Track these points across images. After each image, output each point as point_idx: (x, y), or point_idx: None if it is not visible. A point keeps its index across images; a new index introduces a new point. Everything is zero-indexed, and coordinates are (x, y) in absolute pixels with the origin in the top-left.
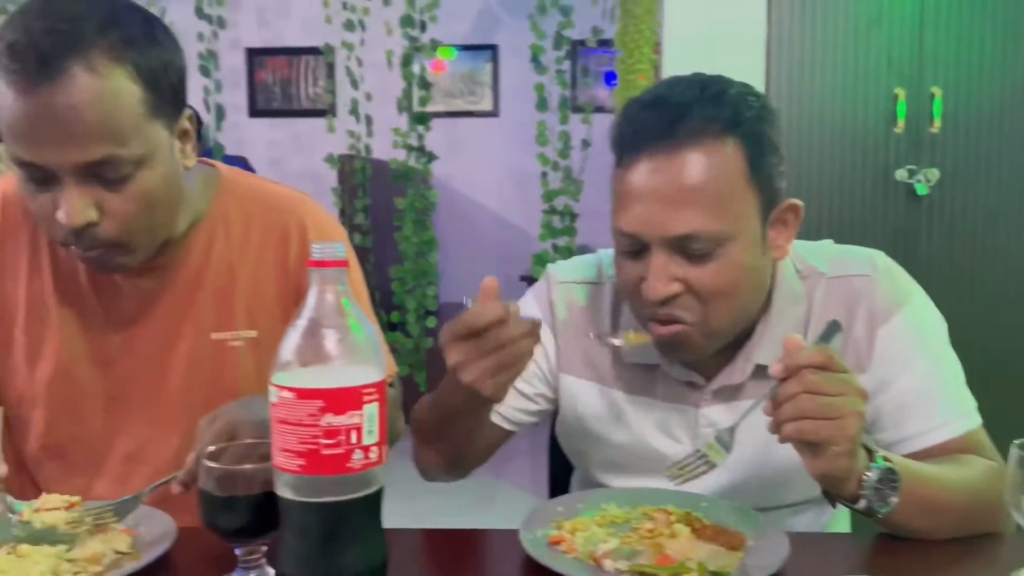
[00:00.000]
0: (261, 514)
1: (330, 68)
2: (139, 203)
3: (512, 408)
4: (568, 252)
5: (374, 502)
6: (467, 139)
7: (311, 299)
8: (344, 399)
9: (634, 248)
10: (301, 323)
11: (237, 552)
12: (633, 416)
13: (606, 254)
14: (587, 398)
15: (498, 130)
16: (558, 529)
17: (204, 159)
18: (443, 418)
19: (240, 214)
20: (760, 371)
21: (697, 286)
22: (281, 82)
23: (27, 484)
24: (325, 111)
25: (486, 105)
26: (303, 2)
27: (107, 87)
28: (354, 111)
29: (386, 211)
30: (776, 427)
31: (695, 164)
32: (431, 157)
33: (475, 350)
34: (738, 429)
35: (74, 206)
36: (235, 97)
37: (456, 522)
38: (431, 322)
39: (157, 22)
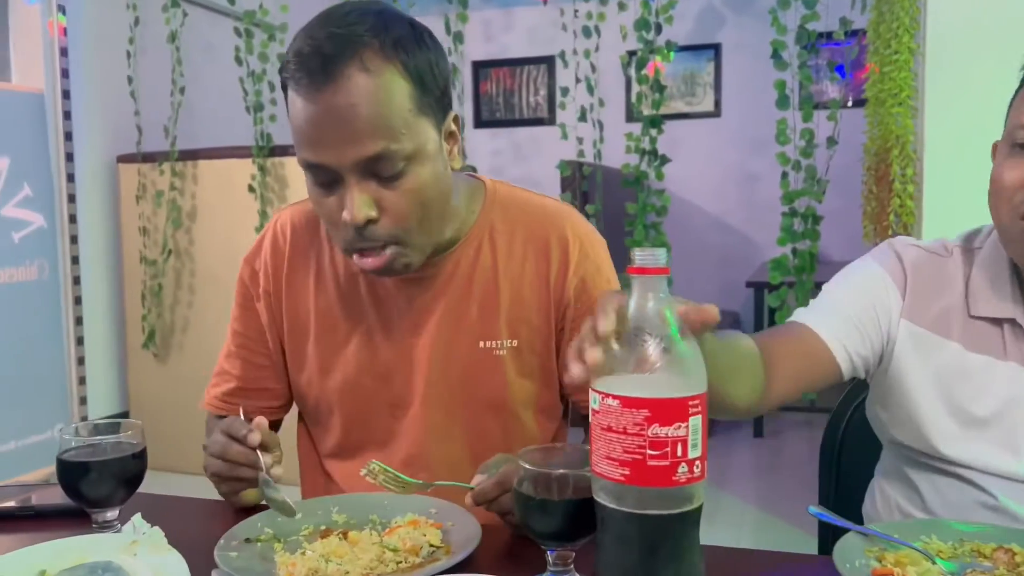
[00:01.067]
0: (574, 519)
1: (551, 75)
2: (413, 198)
3: (852, 342)
4: (809, 257)
5: (695, 518)
6: (686, 141)
7: (632, 305)
8: (670, 410)
9: None
10: (623, 330)
11: (549, 555)
12: (976, 374)
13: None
14: (930, 350)
15: (720, 131)
16: (880, 561)
17: (470, 172)
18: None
19: (505, 226)
20: None
21: None
22: (504, 93)
23: (323, 482)
24: (544, 119)
25: (707, 105)
26: (527, 14)
27: (380, 84)
28: (583, 117)
29: (612, 216)
30: None
31: None
32: (664, 160)
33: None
34: None
35: (356, 204)
36: (461, 109)
37: None
38: None
39: (423, 28)
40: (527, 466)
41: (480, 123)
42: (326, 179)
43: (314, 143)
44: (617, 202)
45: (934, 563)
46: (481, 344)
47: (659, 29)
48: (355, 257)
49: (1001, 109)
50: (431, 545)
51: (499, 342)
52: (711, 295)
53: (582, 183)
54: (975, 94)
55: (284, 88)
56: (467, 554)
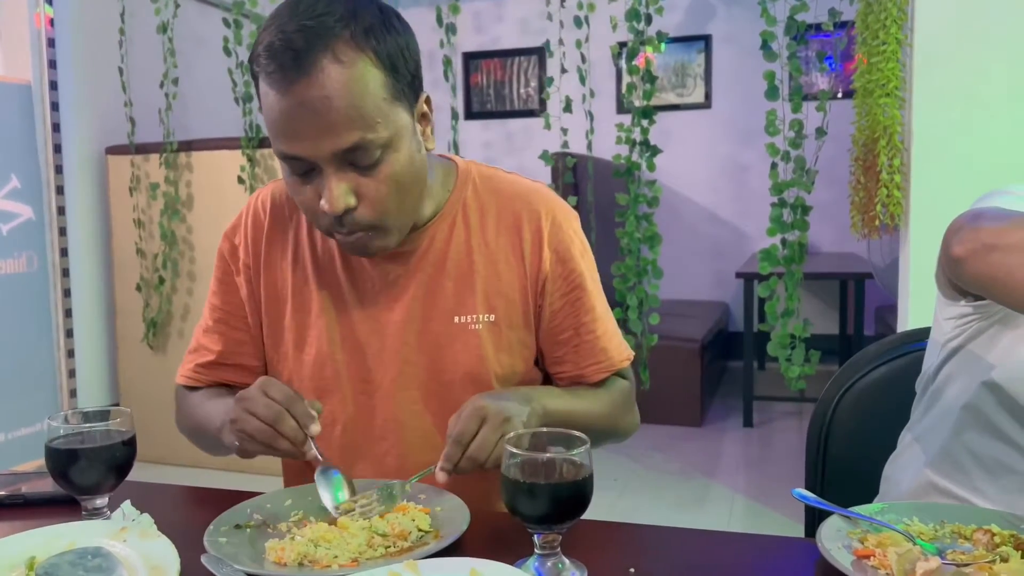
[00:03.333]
0: (562, 502)
1: (542, 66)
2: (390, 185)
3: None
4: (799, 247)
5: None
6: (676, 132)
7: None
8: None
9: None
10: None
11: (536, 538)
12: None
13: None
14: None
15: (711, 122)
16: (862, 543)
17: (443, 153)
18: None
19: (477, 203)
20: None
21: None
22: (495, 84)
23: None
24: (535, 111)
25: (697, 97)
26: (518, 4)
27: (353, 75)
28: (567, 108)
29: (604, 207)
30: None
31: None
32: (655, 151)
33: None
34: None
35: (334, 194)
36: (452, 100)
37: (663, 520)
38: (654, 319)
39: (391, 11)
40: (514, 450)
41: (471, 114)
42: (303, 169)
43: (289, 136)
44: (608, 193)
45: (915, 544)
46: (456, 319)
47: (649, 20)
48: (336, 236)
49: (987, 100)
50: (420, 530)
51: (475, 316)
52: (702, 286)
53: (566, 174)
54: (962, 85)
55: (255, 78)
56: (455, 538)
